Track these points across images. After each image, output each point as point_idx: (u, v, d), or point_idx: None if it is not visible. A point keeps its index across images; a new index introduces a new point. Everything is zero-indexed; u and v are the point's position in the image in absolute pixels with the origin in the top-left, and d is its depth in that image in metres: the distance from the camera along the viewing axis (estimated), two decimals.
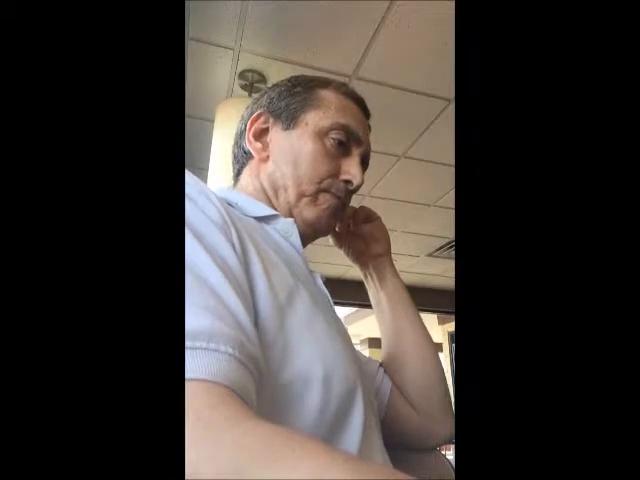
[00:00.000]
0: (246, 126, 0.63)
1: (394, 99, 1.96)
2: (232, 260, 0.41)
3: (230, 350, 0.33)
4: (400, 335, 0.67)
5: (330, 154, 0.60)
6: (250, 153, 0.63)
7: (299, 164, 0.59)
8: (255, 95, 0.69)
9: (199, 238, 0.40)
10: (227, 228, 0.44)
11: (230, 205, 0.56)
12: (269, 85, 0.68)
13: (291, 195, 0.59)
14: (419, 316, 0.69)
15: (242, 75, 1.82)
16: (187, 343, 0.31)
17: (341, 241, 0.75)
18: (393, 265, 0.73)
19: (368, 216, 0.74)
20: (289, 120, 0.61)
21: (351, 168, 0.61)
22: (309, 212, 0.59)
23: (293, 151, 0.60)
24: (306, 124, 0.60)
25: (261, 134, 0.63)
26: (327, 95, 0.63)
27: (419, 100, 1.96)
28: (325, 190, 0.60)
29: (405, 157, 2.43)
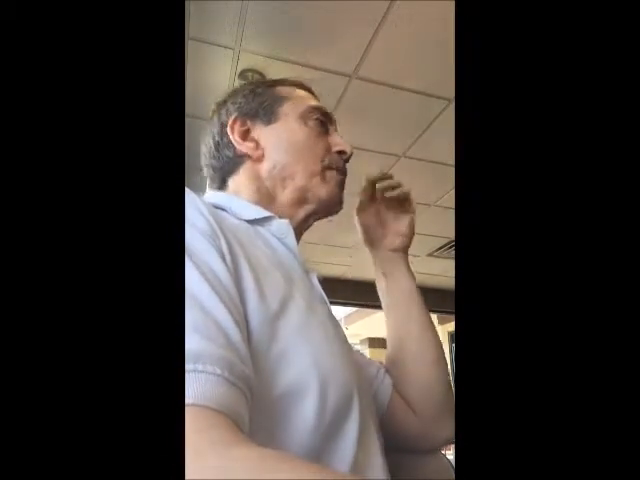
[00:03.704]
0: (222, 137, 0.64)
1: (394, 99, 1.96)
2: (222, 272, 0.40)
3: (218, 371, 0.32)
4: (405, 337, 0.66)
5: (318, 133, 0.64)
6: (237, 158, 0.63)
7: (298, 149, 0.62)
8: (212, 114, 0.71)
9: (187, 251, 0.39)
10: (216, 238, 0.43)
11: (223, 209, 0.56)
12: None
13: (301, 180, 0.61)
14: (428, 318, 0.67)
15: (242, 75, 1.82)
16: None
17: (363, 216, 0.72)
18: (408, 263, 0.71)
19: (406, 201, 0.71)
20: (268, 115, 0.63)
21: (338, 140, 0.65)
22: (322, 190, 0.62)
23: (286, 140, 0.62)
24: (286, 114, 0.64)
25: (244, 136, 0.63)
26: (287, 89, 0.67)
27: (419, 100, 1.97)
28: (329, 167, 0.63)
29: (405, 157, 2.43)
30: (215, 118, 0.67)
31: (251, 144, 0.62)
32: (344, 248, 3.34)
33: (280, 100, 0.64)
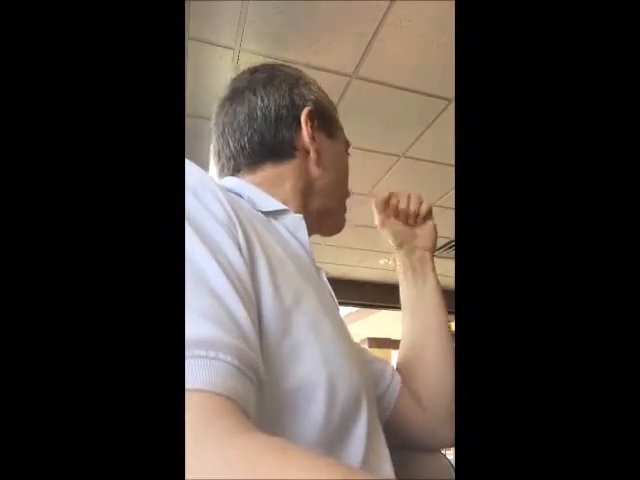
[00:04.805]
0: (288, 112, 0.59)
1: (394, 99, 1.96)
2: (237, 261, 0.40)
3: (229, 359, 0.32)
4: (424, 340, 0.67)
5: None
6: (290, 146, 0.59)
7: (342, 175, 0.65)
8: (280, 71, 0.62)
9: (202, 237, 0.39)
10: (233, 227, 0.42)
11: (240, 196, 0.55)
12: None
13: (333, 203, 0.64)
14: (447, 322, 0.69)
15: None
16: (185, 352, 0.30)
17: (389, 225, 0.74)
18: (434, 263, 0.74)
19: (429, 214, 0.75)
20: (332, 129, 0.63)
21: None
22: (342, 222, 0.67)
23: (338, 161, 0.64)
24: (340, 138, 0.65)
25: (312, 132, 0.60)
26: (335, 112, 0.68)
27: (419, 100, 1.97)
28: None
29: (405, 157, 2.43)
30: (281, 85, 0.60)
31: (317, 146, 0.60)
32: (345, 248, 3.35)
33: (337, 121, 0.66)
